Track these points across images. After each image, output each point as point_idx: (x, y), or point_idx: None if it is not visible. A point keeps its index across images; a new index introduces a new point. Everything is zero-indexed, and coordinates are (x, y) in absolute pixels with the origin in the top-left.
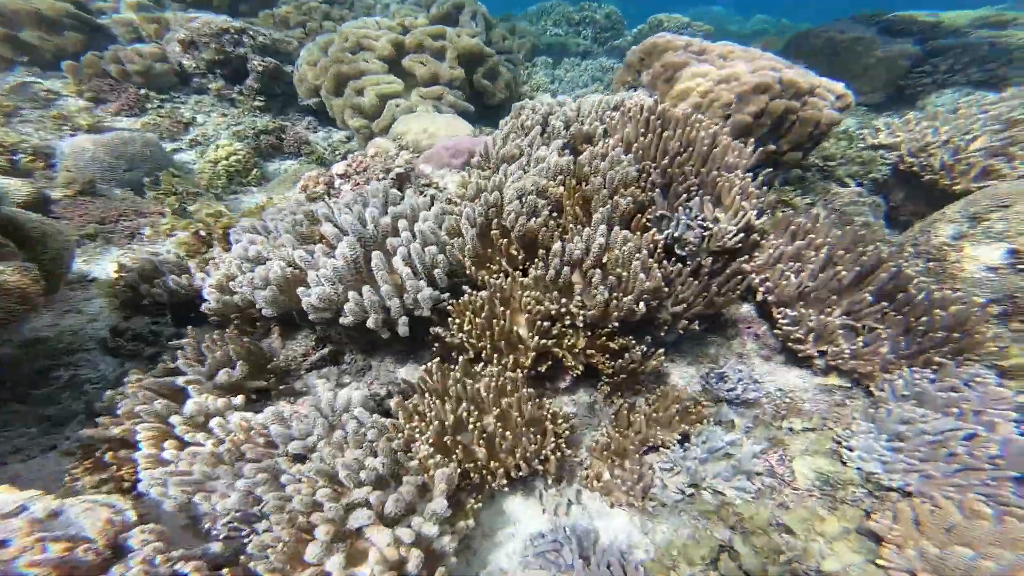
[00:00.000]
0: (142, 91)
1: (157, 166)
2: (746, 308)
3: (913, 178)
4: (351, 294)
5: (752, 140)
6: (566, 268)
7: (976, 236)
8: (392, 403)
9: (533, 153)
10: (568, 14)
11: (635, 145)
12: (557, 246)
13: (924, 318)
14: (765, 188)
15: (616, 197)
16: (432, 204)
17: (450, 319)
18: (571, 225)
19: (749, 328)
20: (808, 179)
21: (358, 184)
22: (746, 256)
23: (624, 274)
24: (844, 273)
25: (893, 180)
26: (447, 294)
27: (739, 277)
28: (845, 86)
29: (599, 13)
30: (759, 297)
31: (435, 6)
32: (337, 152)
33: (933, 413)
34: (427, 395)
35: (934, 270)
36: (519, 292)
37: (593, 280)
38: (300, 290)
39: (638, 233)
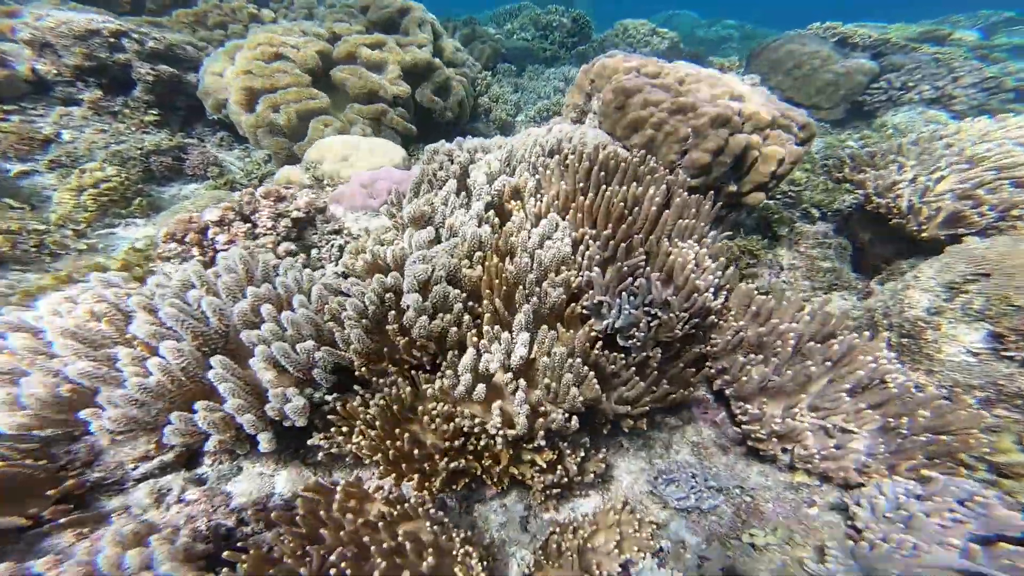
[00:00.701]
0: None
1: None
2: (703, 391)
3: (880, 219)
4: (174, 415)
5: (710, 185)
6: (480, 385)
7: (954, 313)
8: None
9: (447, 216)
10: (535, 17)
11: (573, 207)
12: (468, 357)
13: (905, 418)
14: (725, 237)
15: (546, 284)
16: (312, 285)
17: (334, 428)
18: (488, 327)
19: (705, 414)
20: (772, 208)
21: (238, 236)
22: (703, 336)
23: (553, 385)
24: (813, 369)
25: (859, 218)
26: (331, 395)
27: (693, 370)
28: (807, 114)
29: (566, 17)
30: (716, 386)
31: (373, 10)
32: (253, 176)
33: (925, 546)
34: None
35: (909, 348)
36: (424, 404)
37: (515, 397)
38: (86, 413)
39: (571, 332)
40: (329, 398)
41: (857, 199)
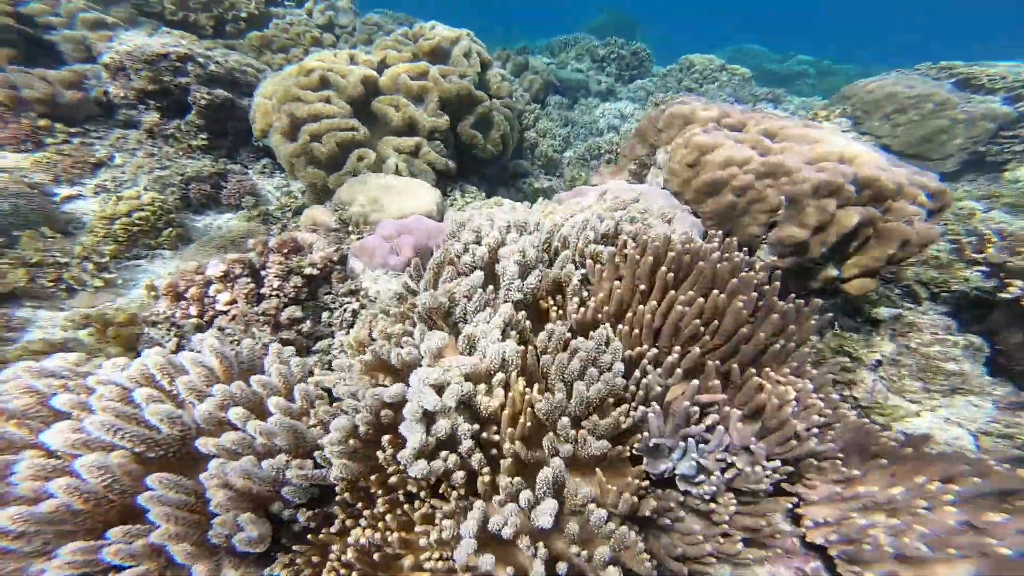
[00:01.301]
0: (40, 121)
1: (22, 221)
2: (783, 524)
3: None
4: (64, 548)
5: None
6: (487, 556)
7: None
8: None
9: (469, 322)
10: (592, 48)
11: (630, 315)
12: (473, 521)
13: None
14: (818, 338)
15: (584, 432)
16: (299, 381)
17: (301, 559)
18: (506, 479)
19: (789, 559)
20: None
21: (240, 298)
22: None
23: (584, 553)
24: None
25: (1006, 315)
26: (305, 509)
27: (783, 527)
28: (939, 179)
29: (626, 49)
30: (809, 536)
31: (423, 39)
32: (288, 208)
33: None
34: None
35: None
36: (415, 553)
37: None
38: None
39: (611, 488)
40: (301, 517)
41: (989, 282)
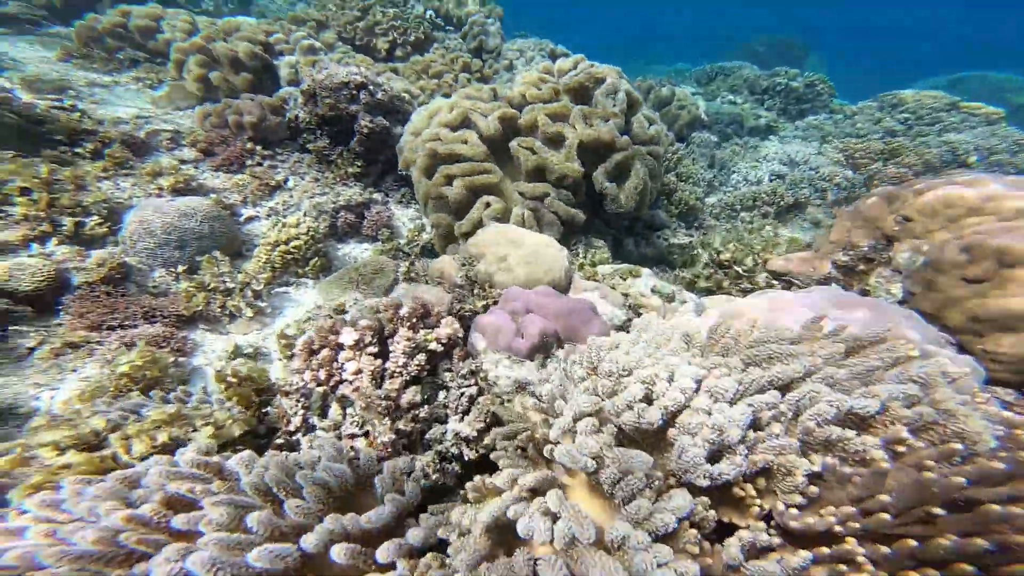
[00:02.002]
0: (248, 145)
1: (213, 243)
2: None
3: None
4: None
5: None
6: None
7: None
8: None
9: (623, 502)
10: (752, 79)
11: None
12: None
13: None
14: None
15: None
16: None
17: None
18: None
19: None
20: None
21: (364, 372)
22: None
23: None
24: None
25: None
26: None
27: None
28: None
29: (799, 81)
30: None
31: (568, 75)
32: (415, 244)
33: None
34: None
35: None
36: None
37: None
38: None
39: None
40: None
41: None
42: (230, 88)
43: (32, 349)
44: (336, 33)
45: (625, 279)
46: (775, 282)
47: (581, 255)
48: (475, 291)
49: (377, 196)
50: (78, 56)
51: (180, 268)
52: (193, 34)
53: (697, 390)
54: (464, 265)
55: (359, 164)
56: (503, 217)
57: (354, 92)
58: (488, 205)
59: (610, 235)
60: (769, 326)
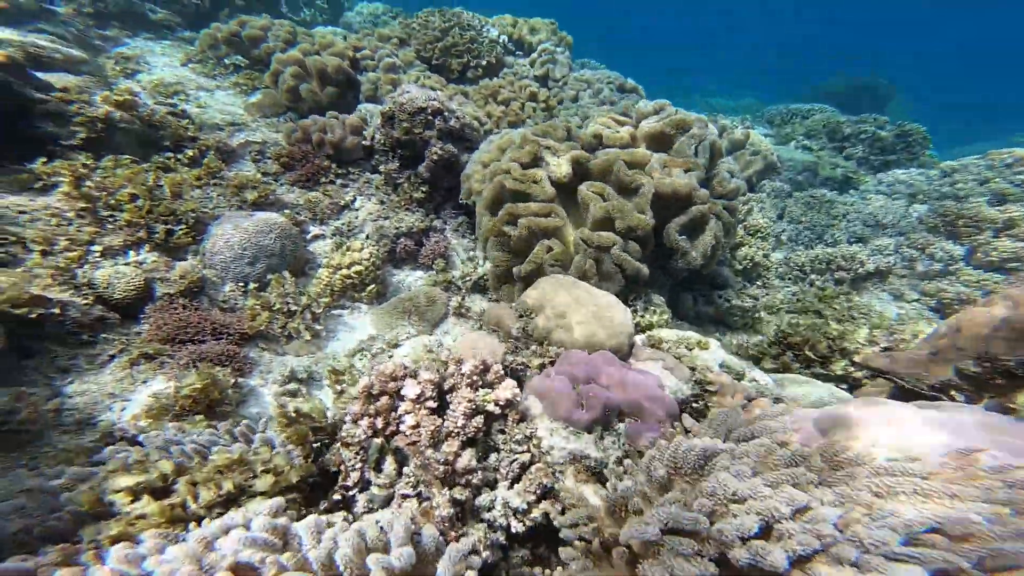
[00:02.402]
0: (325, 162)
1: (281, 261)
2: None
3: None
4: None
5: None
6: None
7: None
8: None
9: None
10: (832, 124)
11: None
12: None
13: None
14: None
15: None
16: None
17: None
18: None
19: None
20: None
21: (422, 429)
22: None
23: None
24: None
25: None
26: None
27: None
28: None
29: (887, 129)
30: None
31: (652, 119)
32: (468, 279)
33: None
34: None
35: None
36: None
37: None
38: None
39: None
40: None
41: None
42: (315, 100)
43: (112, 356)
44: (415, 51)
45: (692, 349)
46: (860, 373)
47: (640, 312)
48: (531, 346)
49: (436, 223)
50: (196, 61)
51: (251, 285)
52: (292, 44)
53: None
54: (522, 317)
55: (424, 190)
56: (563, 261)
57: (430, 118)
58: (550, 249)
59: (667, 285)
60: (901, 448)
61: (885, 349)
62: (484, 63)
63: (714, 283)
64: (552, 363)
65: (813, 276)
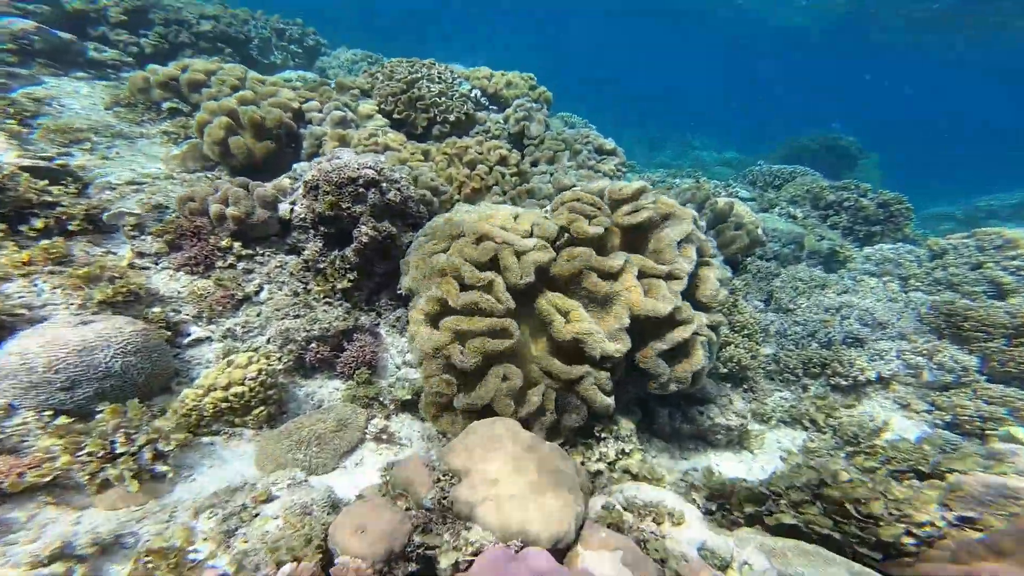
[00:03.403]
0: (225, 241)
1: (125, 383)
2: None
3: None
4: None
5: None
6: None
7: None
8: None
9: None
10: (816, 190)
11: None
12: None
13: None
14: None
15: None
16: None
17: None
18: None
19: None
20: None
21: None
22: None
23: None
24: None
25: None
26: None
27: None
28: None
29: (869, 199)
30: None
31: (627, 210)
32: (396, 394)
33: None
34: None
35: None
36: None
37: None
38: None
39: None
40: None
41: None
42: (247, 156)
43: None
44: (377, 104)
45: (661, 523)
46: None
47: (601, 446)
48: (447, 525)
49: (365, 320)
50: (124, 105)
51: (61, 418)
52: (239, 90)
53: None
54: (439, 482)
55: (352, 277)
56: (519, 398)
57: (361, 190)
58: (505, 379)
59: (635, 398)
60: None
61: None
62: (452, 119)
63: (694, 396)
64: (470, 567)
65: (807, 380)
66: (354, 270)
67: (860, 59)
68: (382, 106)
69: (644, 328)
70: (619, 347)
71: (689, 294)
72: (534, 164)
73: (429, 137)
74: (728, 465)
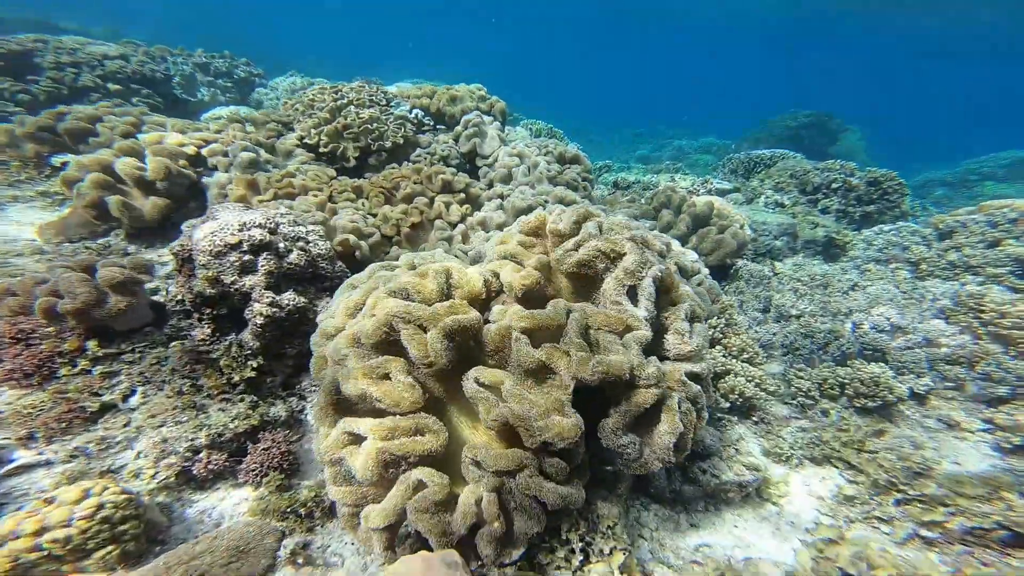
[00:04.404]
0: (67, 343)
1: None
2: None
3: None
4: None
5: None
6: None
7: None
8: None
9: None
10: (801, 174)
11: None
12: None
13: None
14: None
15: None
16: None
17: None
18: None
19: None
20: None
21: None
22: None
23: None
24: None
25: None
26: None
27: None
28: None
29: (858, 177)
30: None
31: (569, 244)
32: (319, 505)
33: None
34: None
35: None
36: None
37: None
38: None
39: None
40: None
41: None
42: (135, 217)
43: None
44: (298, 138)
45: None
46: None
47: (580, 555)
48: None
49: (281, 410)
50: None
51: None
52: (134, 136)
53: None
54: None
55: (256, 365)
56: (445, 500)
57: (248, 257)
58: (419, 487)
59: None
60: None
61: None
62: (389, 145)
63: (693, 451)
64: None
65: (826, 404)
66: (258, 355)
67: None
68: (304, 140)
69: (607, 400)
70: (567, 424)
71: (657, 342)
72: (490, 186)
73: (366, 169)
74: (749, 527)
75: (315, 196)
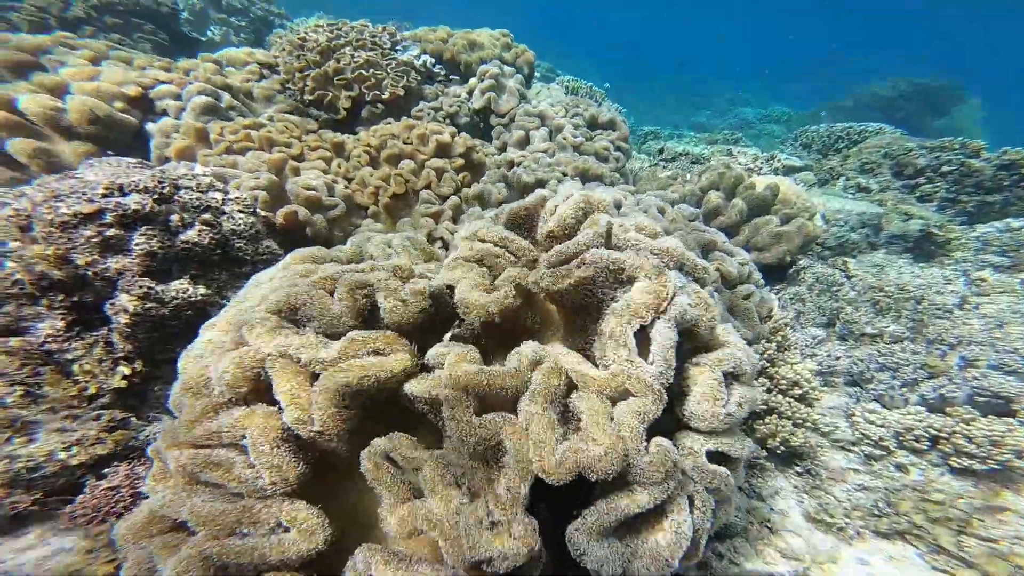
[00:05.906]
0: None
1: None
2: None
3: None
4: None
5: None
6: None
7: None
8: None
9: None
10: (901, 153)
11: None
12: None
13: None
14: None
15: None
16: None
17: None
18: None
19: None
20: None
21: None
22: None
23: None
24: None
25: None
26: None
27: None
28: None
29: (981, 160)
30: None
31: (548, 261)
32: None
33: None
34: None
35: None
36: None
37: None
38: None
39: None
40: None
41: None
42: (48, 166)
43: None
44: (281, 83)
45: None
46: None
47: None
48: None
49: (137, 438)
50: None
51: None
52: (94, 78)
53: None
54: None
55: (130, 372)
56: None
57: (115, 232)
58: None
59: None
60: None
61: None
62: (387, 96)
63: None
64: None
65: (901, 456)
66: (133, 358)
67: None
68: (287, 85)
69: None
70: (505, 547)
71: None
72: (502, 150)
73: (359, 123)
74: None
75: (281, 152)
